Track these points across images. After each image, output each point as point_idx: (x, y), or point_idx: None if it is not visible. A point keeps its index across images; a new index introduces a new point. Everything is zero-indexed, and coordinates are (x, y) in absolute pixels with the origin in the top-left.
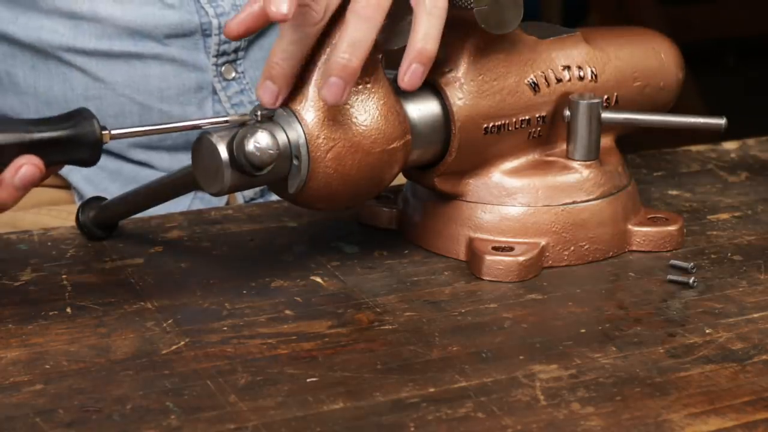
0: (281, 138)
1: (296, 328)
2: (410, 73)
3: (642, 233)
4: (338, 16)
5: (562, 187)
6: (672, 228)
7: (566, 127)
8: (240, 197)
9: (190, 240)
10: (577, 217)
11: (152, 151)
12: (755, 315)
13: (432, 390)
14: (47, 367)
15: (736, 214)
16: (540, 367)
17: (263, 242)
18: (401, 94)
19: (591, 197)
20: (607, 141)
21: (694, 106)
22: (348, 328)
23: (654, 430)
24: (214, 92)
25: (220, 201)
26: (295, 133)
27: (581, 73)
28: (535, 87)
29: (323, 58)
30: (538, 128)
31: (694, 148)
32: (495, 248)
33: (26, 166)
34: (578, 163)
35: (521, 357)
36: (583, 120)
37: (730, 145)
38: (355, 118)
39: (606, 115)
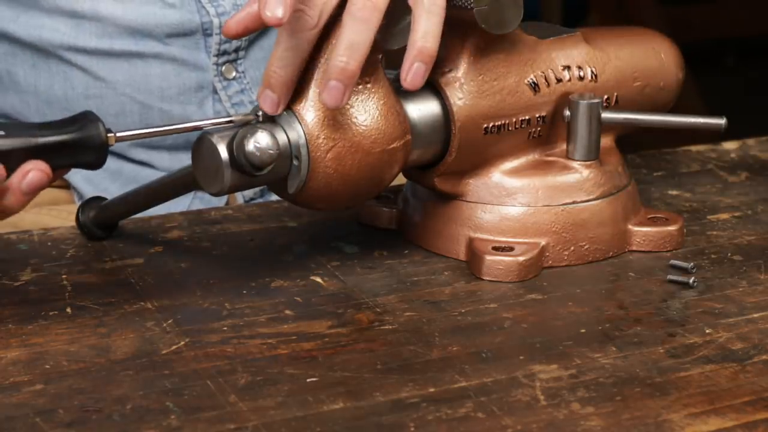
0: (281, 138)
1: (296, 328)
2: (412, 72)
3: (642, 233)
4: (338, 19)
5: (562, 187)
6: (672, 228)
7: (566, 127)
8: (240, 197)
9: (190, 240)
10: (577, 217)
11: (153, 151)
12: (755, 315)
13: (432, 390)
14: (47, 367)
15: (736, 214)
16: (540, 367)
17: (263, 242)
18: (401, 94)
19: (591, 197)
20: (607, 141)
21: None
22: (348, 328)
23: (654, 430)
24: (215, 92)
25: (220, 201)
26: (295, 133)
27: (581, 73)
28: (535, 87)
29: (324, 59)
30: (538, 128)
31: (694, 148)
32: (495, 248)
33: (33, 171)
34: (578, 163)
35: (521, 357)
36: (583, 120)
37: (730, 145)
38: (355, 118)
39: (606, 115)
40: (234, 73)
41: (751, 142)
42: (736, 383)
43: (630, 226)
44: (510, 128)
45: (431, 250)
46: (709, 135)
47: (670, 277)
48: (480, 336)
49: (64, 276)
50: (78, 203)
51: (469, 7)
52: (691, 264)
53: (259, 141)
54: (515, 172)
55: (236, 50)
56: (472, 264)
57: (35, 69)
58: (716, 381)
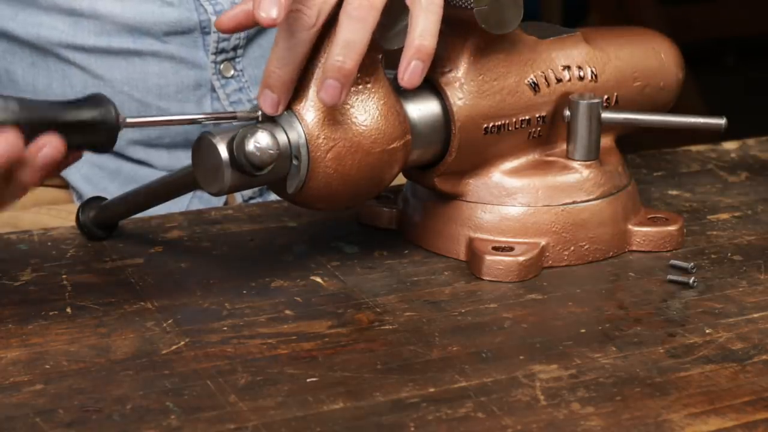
0: (281, 138)
1: (296, 328)
2: (410, 71)
3: (642, 233)
4: (336, 17)
5: (562, 187)
6: (672, 228)
7: (566, 127)
8: (238, 196)
9: (190, 240)
10: (577, 217)
11: (151, 149)
12: (755, 315)
13: (432, 390)
14: (47, 367)
15: (736, 214)
16: (540, 367)
17: (263, 242)
18: (401, 94)
19: (591, 197)
20: (607, 141)
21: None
22: (348, 328)
23: (654, 430)
24: (213, 90)
25: (219, 201)
26: (295, 133)
27: (581, 73)
28: (535, 87)
29: (323, 58)
30: (538, 128)
31: (694, 148)
32: (495, 248)
33: (48, 146)
34: (578, 163)
35: (521, 357)
36: (583, 120)
37: (730, 145)
38: (355, 118)
39: (606, 115)
40: (232, 72)
41: (751, 142)
42: (736, 383)
43: (630, 226)
44: (510, 128)
45: (431, 250)
46: (709, 135)
47: (670, 277)
48: (480, 336)
49: (64, 276)
50: (77, 203)
51: (469, 7)
52: (691, 264)
53: (259, 141)
54: (515, 172)
55: (234, 48)
56: (472, 264)
57: (34, 67)
58: (716, 381)
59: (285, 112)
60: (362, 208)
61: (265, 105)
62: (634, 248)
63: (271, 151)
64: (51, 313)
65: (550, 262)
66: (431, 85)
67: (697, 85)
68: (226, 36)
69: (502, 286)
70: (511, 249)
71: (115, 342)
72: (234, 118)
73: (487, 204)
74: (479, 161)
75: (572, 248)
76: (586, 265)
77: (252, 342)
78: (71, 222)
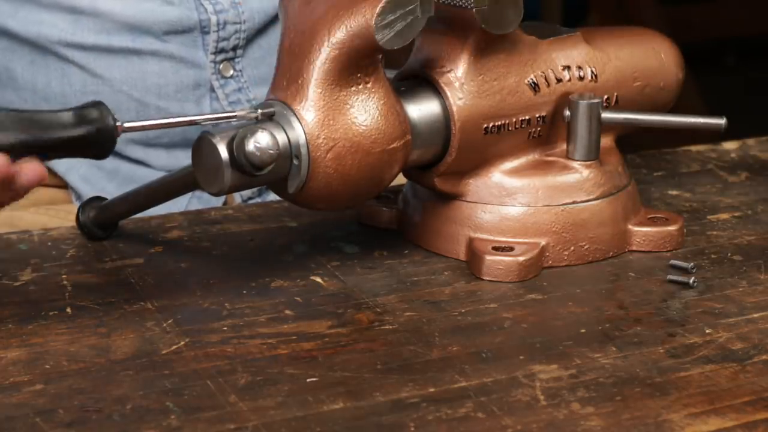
0: (281, 138)
1: (296, 328)
2: None
3: (642, 233)
4: (331, 15)
5: (562, 187)
6: (672, 228)
7: (566, 127)
8: (237, 196)
9: (190, 240)
10: (577, 217)
11: (150, 149)
12: (755, 315)
13: (432, 390)
14: (47, 367)
15: (736, 214)
16: (540, 367)
17: (263, 242)
18: (401, 94)
19: (591, 197)
20: (607, 141)
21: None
22: (348, 328)
23: (654, 430)
24: (212, 90)
25: (218, 200)
26: (295, 133)
27: (581, 73)
28: (535, 87)
29: (322, 57)
30: (538, 128)
31: (694, 148)
32: (495, 248)
33: (32, 172)
34: (578, 163)
35: (521, 357)
36: (583, 120)
37: (730, 145)
38: (355, 118)
39: (606, 115)
40: (231, 72)
41: (751, 142)
42: (736, 383)
43: (630, 226)
44: (510, 128)
45: (431, 250)
46: (709, 135)
47: (670, 277)
48: (480, 336)
49: (64, 276)
50: (76, 203)
51: (469, 7)
52: (691, 264)
53: (259, 141)
54: (515, 172)
55: (234, 48)
56: (472, 264)
57: (33, 65)
58: (716, 381)
59: (285, 112)
60: (362, 208)
61: None
62: (634, 248)
63: (271, 151)
64: (51, 313)
65: (550, 262)
66: (431, 85)
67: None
68: (225, 36)
69: (502, 286)
70: (511, 249)
71: (115, 342)
72: (233, 118)
73: (487, 204)
74: (479, 161)
75: (572, 248)
76: (586, 265)
77: (252, 342)
78: (71, 222)
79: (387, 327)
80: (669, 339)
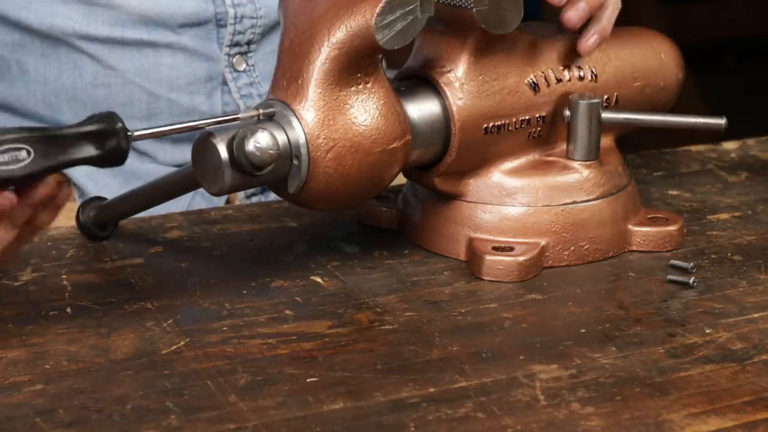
0: (281, 138)
1: (296, 328)
2: (592, 40)
3: (642, 233)
4: (331, 15)
5: (562, 187)
6: (672, 228)
7: (566, 127)
8: (240, 193)
9: (190, 240)
10: (577, 217)
11: (156, 142)
12: (755, 315)
13: (432, 390)
14: (47, 367)
15: (736, 214)
16: (540, 367)
17: (263, 242)
18: (401, 94)
19: (591, 197)
20: (607, 141)
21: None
22: (348, 328)
23: (654, 430)
24: (224, 83)
25: (220, 199)
26: (295, 133)
27: (581, 73)
28: (535, 87)
29: (322, 57)
30: (538, 128)
31: (694, 148)
32: (495, 248)
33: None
34: (578, 163)
35: (521, 357)
36: (583, 120)
37: (730, 145)
38: (355, 118)
39: (606, 115)
40: (244, 66)
41: (751, 142)
42: (736, 383)
43: (630, 226)
44: (510, 128)
45: (431, 250)
46: (709, 135)
47: (670, 277)
48: (480, 336)
49: (64, 276)
50: (78, 200)
51: (469, 7)
52: (691, 264)
53: (259, 141)
54: (515, 172)
55: (248, 43)
56: (472, 264)
57: (45, 58)
58: (716, 381)
59: (285, 112)
60: (362, 208)
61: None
62: (634, 248)
63: (271, 151)
64: (51, 313)
65: (550, 262)
66: (431, 85)
67: (697, 85)
68: (241, 29)
69: (502, 286)
70: (511, 249)
71: (115, 342)
72: (236, 120)
73: (487, 204)
74: (479, 161)
75: (572, 248)
76: (586, 265)
77: (252, 342)
78: (71, 221)
79: (387, 327)
80: (669, 339)
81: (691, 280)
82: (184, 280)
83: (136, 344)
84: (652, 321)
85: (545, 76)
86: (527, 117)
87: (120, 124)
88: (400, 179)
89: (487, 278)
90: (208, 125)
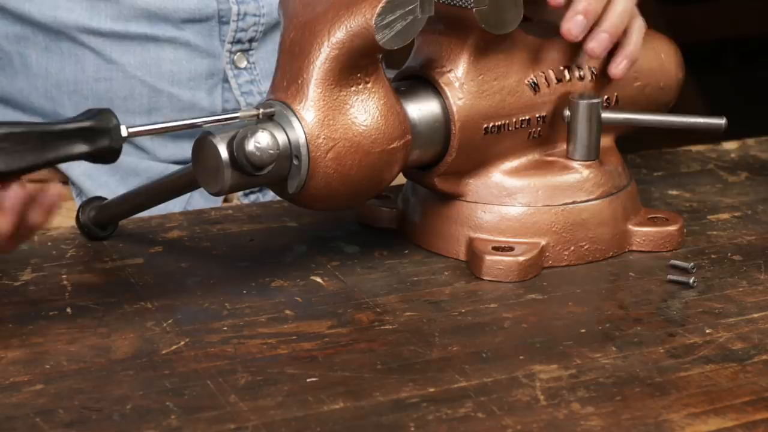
0: (281, 138)
1: (296, 328)
2: (622, 66)
3: (642, 233)
4: (331, 15)
5: (562, 187)
6: (672, 228)
7: (566, 127)
8: (239, 193)
9: (190, 240)
10: (577, 217)
11: (156, 137)
12: (755, 315)
13: (432, 390)
14: (47, 367)
15: (736, 214)
16: (540, 367)
17: (263, 242)
18: (401, 94)
19: (591, 197)
20: (607, 141)
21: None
22: (348, 328)
23: (654, 430)
24: (225, 80)
25: (218, 198)
26: (295, 133)
27: (581, 73)
28: (535, 87)
29: (322, 57)
30: (538, 128)
31: (694, 148)
32: (495, 248)
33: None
34: (578, 163)
35: (521, 357)
36: (583, 120)
37: (730, 145)
38: (355, 117)
39: (606, 115)
40: (245, 63)
41: (751, 142)
42: (736, 383)
43: (630, 226)
44: (510, 128)
45: (431, 250)
46: (709, 135)
47: (670, 277)
48: (480, 336)
49: (64, 276)
50: (77, 198)
51: (469, 7)
52: (691, 264)
53: (259, 141)
54: (515, 172)
55: (250, 40)
56: (472, 264)
57: (47, 52)
58: (716, 381)
59: (285, 112)
60: (362, 208)
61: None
62: (634, 248)
63: (271, 151)
64: (51, 313)
65: (550, 262)
66: (431, 85)
67: (697, 85)
68: (244, 26)
69: (502, 286)
70: (511, 249)
71: (115, 342)
72: (235, 118)
73: (487, 204)
74: (479, 161)
75: (572, 248)
76: (586, 265)
77: (252, 342)
78: (71, 221)
79: (387, 327)
80: (669, 339)
81: (691, 280)
82: (184, 280)
83: (136, 344)
84: (652, 321)
85: (545, 76)
86: (527, 117)
87: (114, 122)
88: (400, 179)
89: (487, 278)
90: (206, 123)
